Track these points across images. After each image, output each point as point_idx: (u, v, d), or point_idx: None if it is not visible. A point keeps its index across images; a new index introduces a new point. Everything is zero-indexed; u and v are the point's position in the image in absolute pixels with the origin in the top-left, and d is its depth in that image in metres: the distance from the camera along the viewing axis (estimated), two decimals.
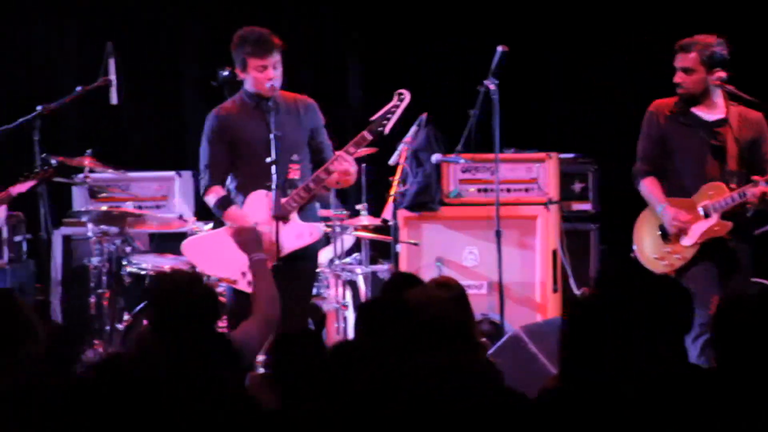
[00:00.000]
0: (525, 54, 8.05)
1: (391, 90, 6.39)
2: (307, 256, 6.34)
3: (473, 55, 7.79)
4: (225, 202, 6.27)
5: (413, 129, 7.45)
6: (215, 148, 6.29)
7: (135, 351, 4.72)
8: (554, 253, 7.93)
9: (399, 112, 6.34)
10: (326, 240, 7.41)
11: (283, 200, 6.16)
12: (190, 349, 4.21)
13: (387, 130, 6.35)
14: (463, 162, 7.89)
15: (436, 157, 7.77)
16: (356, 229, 7.70)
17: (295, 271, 6.17)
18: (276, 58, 6.24)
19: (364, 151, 6.79)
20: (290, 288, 5.97)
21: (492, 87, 7.02)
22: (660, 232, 6.43)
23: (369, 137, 6.28)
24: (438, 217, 8.04)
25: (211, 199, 6.32)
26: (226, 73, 6.52)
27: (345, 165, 6.19)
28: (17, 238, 8.24)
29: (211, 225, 7.05)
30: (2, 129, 6.78)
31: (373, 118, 6.35)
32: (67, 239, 8.58)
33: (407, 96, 6.36)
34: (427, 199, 7.97)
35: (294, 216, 6.24)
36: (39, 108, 6.78)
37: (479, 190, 8.05)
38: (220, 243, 6.25)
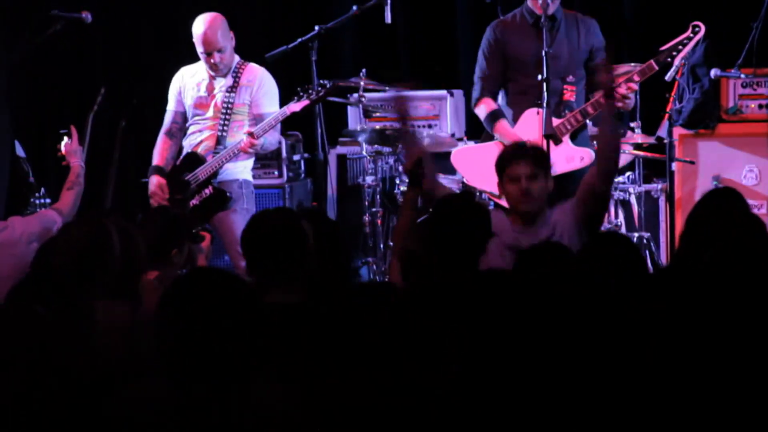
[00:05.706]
0: None
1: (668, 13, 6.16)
2: (574, 177, 6.25)
3: None
4: (496, 115, 6.26)
5: (690, 43, 7.22)
6: (490, 61, 6.28)
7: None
8: None
9: (691, 45, 6.15)
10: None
11: (557, 122, 6.10)
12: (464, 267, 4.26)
13: (676, 61, 6.17)
14: (744, 77, 7.63)
15: (714, 72, 7.53)
16: (630, 148, 7.56)
17: (562, 190, 6.12)
18: None
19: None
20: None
21: None
22: None
23: (656, 68, 6.13)
24: (715, 135, 7.84)
25: (481, 111, 6.32)
26: None
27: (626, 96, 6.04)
28: (295, 157, 8.47)
29: None
30: (281, 49, 6.92)
31: (664, 48, 6.17)
32: (341, 158, 8.74)
33: (702, 29, 6.15)
34: (704, 116, 7.75)
35: (566, 139, 6.17)
36: (317, 28, 6.89)
37: (760, 106, 7.81)
38: (487, 156, 6.27)
